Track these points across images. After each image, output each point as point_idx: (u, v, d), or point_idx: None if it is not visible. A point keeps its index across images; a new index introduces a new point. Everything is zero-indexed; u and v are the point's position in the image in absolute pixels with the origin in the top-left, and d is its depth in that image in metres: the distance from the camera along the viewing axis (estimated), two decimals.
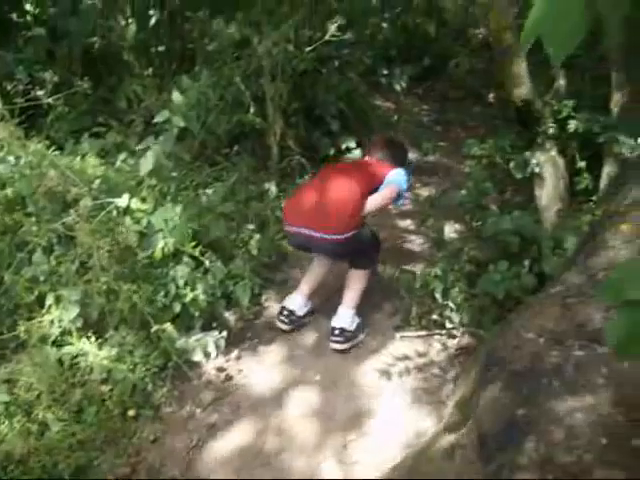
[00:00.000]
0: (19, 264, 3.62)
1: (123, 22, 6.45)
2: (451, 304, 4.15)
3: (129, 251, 3.79)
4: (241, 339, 4.22)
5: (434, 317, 4.24)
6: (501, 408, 2.19)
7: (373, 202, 4.10)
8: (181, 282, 3.83)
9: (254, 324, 4.38)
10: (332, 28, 5.76)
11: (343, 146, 6.55)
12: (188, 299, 3.81)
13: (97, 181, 3.92)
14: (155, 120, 4.33)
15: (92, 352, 3.46)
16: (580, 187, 5.11)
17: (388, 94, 8.86)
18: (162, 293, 3.77)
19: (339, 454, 3.33)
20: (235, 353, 4.09)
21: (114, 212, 3.81)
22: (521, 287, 3.94)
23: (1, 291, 3.57)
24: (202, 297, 3.83)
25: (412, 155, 6.68)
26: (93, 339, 3.54)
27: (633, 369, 2.03)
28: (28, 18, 5.85)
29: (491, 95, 8.40)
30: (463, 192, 4.84)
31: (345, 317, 4.14)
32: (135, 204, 3.75)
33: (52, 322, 3.50)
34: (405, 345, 4.16)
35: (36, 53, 5.62)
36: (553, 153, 5.38)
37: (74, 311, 3.49)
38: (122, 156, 4.61)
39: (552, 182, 5.27)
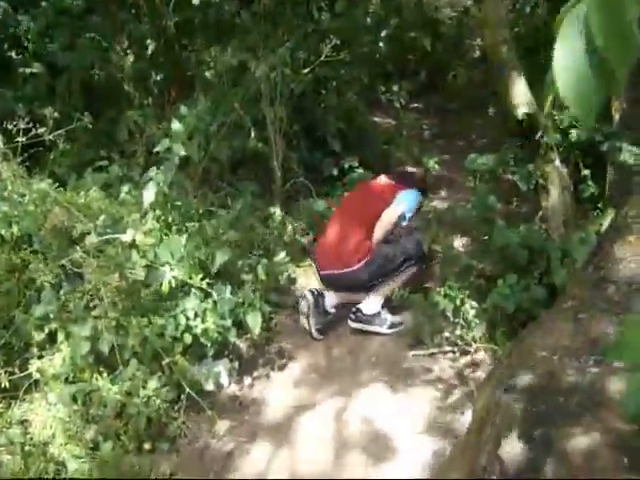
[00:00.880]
0: (28, 302, 3.62)
1: (121, 53, 6.47)
2: (462, 321, 4.13)
3: (137, 285, 3.78)
4: (253, 366, 4.21)
5: (446, 334, 4.22)
6: (518, 428, 2.17)
7: (378, 229, 4.50)
8: (191, 313, 3.81)
9: (266, 350, 4.37)
10: (327, 49, 5.78)
11: (346, 165, 6.55)
12: (199, 330, 3.80)
13: (102, 217, 3.91)
14: (156, 149, 4.34)
15: (105, 387, 3.45)
16: (585, 195, 5.11)
17: (388, 110, 8.88)
18: (172, 325, 3.75)
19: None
20: (248, 381, 4.07)
21: (120, 247, 3.81)
22: (531, 300, 3.92)
23: (11, 330, 3.56)
24: (213, 327, 3.81)
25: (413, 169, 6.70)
26: (105, 374, 3.53)
27: None
28: (26, 55, 5.87)
29: (491, 107, 8.39)
30: (469, 206, 4.83)
31: (367, 301, 4.48)
32: (140, 238, 3.74)
33: (64, 359, 3.49)
34: (418, 363, 4.14)
35: (35, 89, 5.65)
36: (557, 163, 5.37)
37: (85, 347, 3.48)
38: (126, 188, 4.61)
39: (557, 192, 5.26)
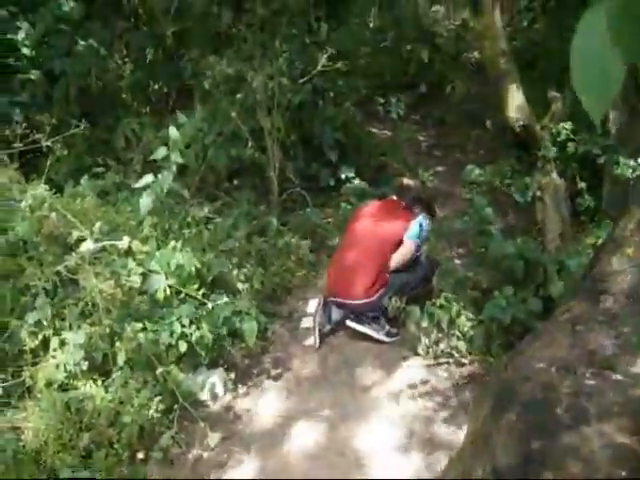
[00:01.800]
0: (23, 308, 3.60)
1: (119, 61, 6.48)
2: (458, 332, 4.12)
3: (132, 292, 3.77)
4: (248, 375, 4.19)
5: (442, 346, 4.20)
6: (515, 441, 2.16)
7: (396, 260, 4.49)
8: (186, 321, 3.79)
9: (261, 359, 4.35)
10: (323, 59, 5.79)
11: (342, 176, 6.55)
12: (194, 338, 3.78)
13: (98, 224, 3.90)
14: (153, 157, 4.33)
15: (99, 395, 3.43)
16: (582, 208, 5.11)
17: (385, 122, 8.90)
18: (167, 332, 3.73)
19: None
20: (243, 390, 4.05)
21: (116, 254, 3.79)
22: (527, 312, 3.91)
23: (5, 337, 3.54)
24: (208, 335, 3.80)
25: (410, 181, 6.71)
26: (99, 382, 3.51)
27: None
28: (24, 61, 5.86)
29: (488, 119, 8.41)
30: (465, 218, 4.82)
31: None
32: (136, 246, 3.72)
33: (57, 366, 3.46)
34: (413, 375, 4.12)
35: (33, 96, 5.64)
36: (554, 176, 5.38)
37: (79, 354, 3.46)
38: (122, 195, 4.60)
39: (554, 205, 5.27)
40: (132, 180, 5.03)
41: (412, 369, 4.18)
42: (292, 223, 5.67)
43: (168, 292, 3.77)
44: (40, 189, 4.00)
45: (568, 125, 5.35)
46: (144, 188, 4.19)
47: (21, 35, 5.75)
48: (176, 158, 4.26)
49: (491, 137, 7.79)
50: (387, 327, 4.48)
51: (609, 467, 1.80)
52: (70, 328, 3.56)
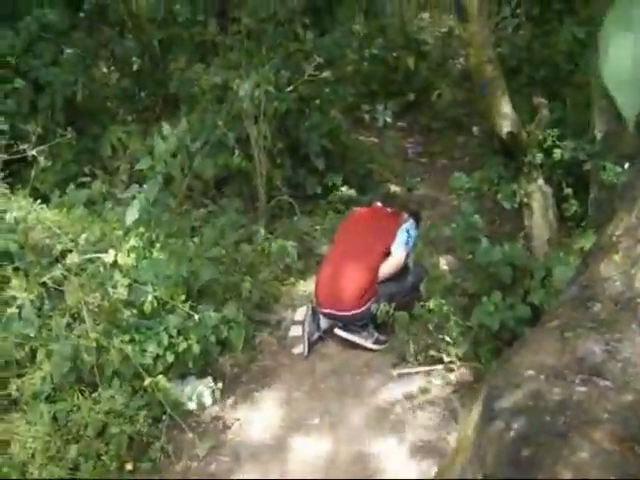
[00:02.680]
0: (8, 320, 3.57)
1: (105, 69, 6.47)
2: (447, 338, 4.12)
3: (119, 304, 3.74)
4: (237, 385, 4.17)
5: (431, 352, 4.20)
6: (505, 449, 2.14)
7: (385, 271, 4.49)
8: (174, 331, 3.77)
9: (249, 368, 4.33)
10: (310, 68, 5.79)
11: (329, 183, 6.55)
12: (182, 348, 3.75)
13: (84, 235, 3.87)
14: (137, 167, 4.31)
15: (86, 407, 3.40)
16: (569, 213, 5.12)
17: (372, 129, 8.91)
18: (155, 343, 3.71)
19: None
20: (231, 400, 4.03)
21: (102, 265, 3.77)
22: (516, 318, 3.91)
23: None
24: (196, 346, 3.77)
25: (397, 188, 6.75)
26: (87, 393, 3.48)
27: (638, 403, 1.99)
28: (9, 70, 5.83)
29: (475, 126, 8.43)
30: (453, 225, 4.82)
31: None
32: (122, 259, 3.68)
33: (44, 378, 3.44)
34: (402, 382, 4.11)
35: (18, 105, 5.61)
36: (540, 182, 5.38)
37: (66, 366, 3.43)
38: (108, 205, 4.58)
39: (541, 211, 5.28)
40: (119, 189, 5.02)
41: (401, 376, 4.17)
42: (280, 231, 5.66)
43: (155, 304, 3.74)
44: (25, 200, 3.98)
45: (554, 131, 5.36)
46: (130, 198, 4.17)
47: (6, 43, 5.72)
48: (161, 169, 4.24)
49: (477, 144, 7.81)
50: (375, 334, 4.48)
51: (599, 474, 1.79)
52: (57, 339, 3.53)
